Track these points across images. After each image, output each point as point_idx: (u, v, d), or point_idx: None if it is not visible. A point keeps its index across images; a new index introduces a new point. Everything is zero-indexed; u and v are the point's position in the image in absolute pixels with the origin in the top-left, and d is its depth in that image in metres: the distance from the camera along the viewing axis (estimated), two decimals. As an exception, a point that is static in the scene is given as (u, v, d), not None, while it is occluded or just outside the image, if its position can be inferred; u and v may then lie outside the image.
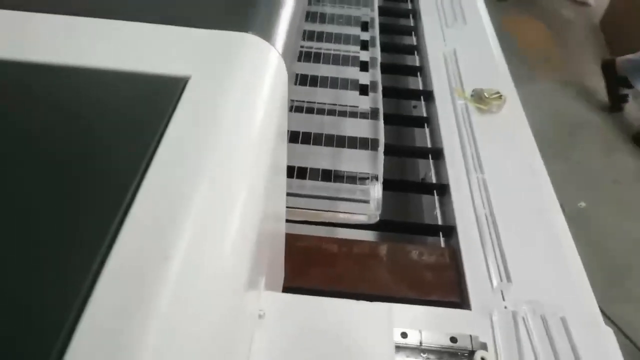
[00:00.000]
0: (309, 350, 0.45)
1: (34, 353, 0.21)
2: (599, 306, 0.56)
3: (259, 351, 0.43)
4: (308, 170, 0.65)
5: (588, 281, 0.58)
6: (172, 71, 0.35)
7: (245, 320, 0.35)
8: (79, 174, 0.28)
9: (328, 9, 0.95)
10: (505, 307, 0.53)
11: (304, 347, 0.45)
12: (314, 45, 0.85)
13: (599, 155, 2.02)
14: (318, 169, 0.65)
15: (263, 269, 0.39)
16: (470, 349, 0.48)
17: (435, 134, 0.79)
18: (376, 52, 0.86)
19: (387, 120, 0.74)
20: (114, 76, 0.34)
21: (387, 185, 0.67)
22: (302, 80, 0.78)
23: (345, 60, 0.84)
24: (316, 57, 0.83)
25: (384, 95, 0.78)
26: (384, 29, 0.95)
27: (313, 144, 0.68)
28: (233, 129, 0.33)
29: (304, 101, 0.74)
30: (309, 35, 0.87)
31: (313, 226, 0.65)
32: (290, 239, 0.56)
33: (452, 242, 0.63)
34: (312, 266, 0.57)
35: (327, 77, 0.79)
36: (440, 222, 0.68)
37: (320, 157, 0.67)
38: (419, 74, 0.93)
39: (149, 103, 0.33)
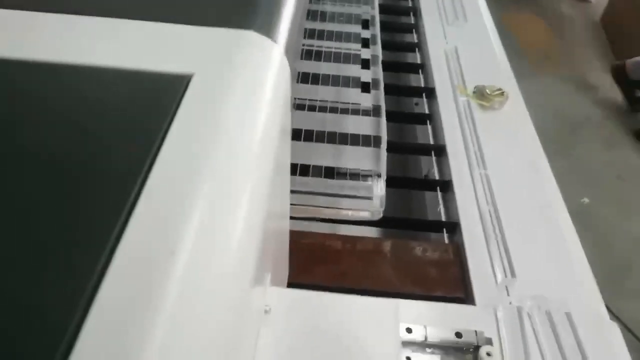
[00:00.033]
0: (315, 346, 0.45)
1: (40, 351, 0.21)
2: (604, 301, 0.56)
3: (265, 346, 0.43)
4: (311, 167, 0.65)
5: (593, 276, 0.58)
6: (176, 69, 0.35)
7: (252, 315, 0.35)
8: (85, 172, 0.28)
9: (329, 7, 0.95)
10: (510, 303, 0.53)
11: (310, 342, 0.45)
12: (315, 43, 0.86)
13: (601, 152, 2.02)
14: (321, 167, 0.66)
15: (269, 265, 0.39)
16: (476, 344, 0.48)
17: (437, 131, 0.79)
18: (377, 49, 0.86)
19: (389, 117, 0.74)
20: (118, 74, 0.35)
21: (390, 182, 0.67)
22: (303, 78, 0.78)
23: (346, 58, 0.84)
24: (317, 55, 0.83)
25: (386, 92, 0.78)
26: (385, 27, 0.95)
27: (316, 142, 0.69)
28: (237, 126, 0.33)
29: (306, 99, 0.74)
30: (310, 34, 0.87)
31: (317, 223, 0.65)
32: (294, 236, 0.56)
33: (456, 238, 0.63)
34: (316, 263, 0.57)
35: (328, 75, 0.79)
36: (443, 219, 0.68)
37: (323, 155, 0.67)
38: (420, 71, 0.93)
39: (153, 101, 0.33)
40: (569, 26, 2.74)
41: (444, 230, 0.66)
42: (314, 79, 0.78)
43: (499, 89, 0.79)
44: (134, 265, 0.24)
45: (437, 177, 0.74)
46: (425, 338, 0.48)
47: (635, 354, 0.50)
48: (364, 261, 0.58)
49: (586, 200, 1.76)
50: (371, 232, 0.70)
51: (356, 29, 0.91)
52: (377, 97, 0.76)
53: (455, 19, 0.99)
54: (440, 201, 0.71)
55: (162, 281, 0.24)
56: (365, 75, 0.81)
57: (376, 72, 0.81)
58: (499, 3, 2.65)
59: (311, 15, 0.92)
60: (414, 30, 1.03)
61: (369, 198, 0.63)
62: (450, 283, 0.57)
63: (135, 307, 0.23)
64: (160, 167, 0.28)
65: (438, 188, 0.72)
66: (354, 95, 0.77)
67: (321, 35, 0.88)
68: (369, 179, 0.66)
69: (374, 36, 0.89)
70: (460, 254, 0.60)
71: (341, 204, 0.63)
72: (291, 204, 0.56)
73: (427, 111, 0.85)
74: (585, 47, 2.58)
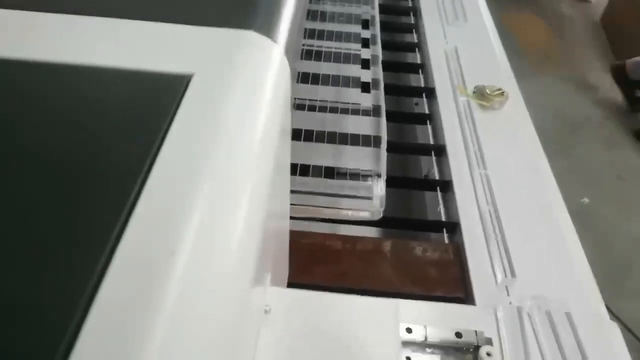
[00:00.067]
0: (315, 346, 0.45)
1: (40, 351, 0.21)
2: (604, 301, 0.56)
3: (265, 346, 0.43)
4: (311, 167, 0.65)
5: (593, 276, 0.58)
6: (176, 69, 0.35)
7: (252, 315, 0.35)
8: (85, 172, 0.28)
9: (329, 7, 0.95)
10: (510, 303, 0.53)
11: (310, 342, 0.45)
12: (315, 43, 0.86)
13: (601, 152, 2.02)
14: (321, 167, 0.66)
15: (269, 265, 0.39)
16: (476, 344, 0.48)
17: (437, 131, 0.79)
18: (377, 49, 0.86)
19: (389, 117, 0.74)
20: (118, 74, 0.35)
21: (390, 182, 0.67)
22: (303, 78, 0.78)
23: (346, 58, 0.84)
24: (317, 55, 0.83)
25: (386, 92, 0.78)
26: (385, 27, 0.95)
27: (316, 142, 0.68)
28: (237, 126, 0.33)
29: (306, 99, 0.74)
30: (310, 34, 0.87)
31: (317, 223, 0.65)
32: (294, 236, 0.56)
33: (456, 238, 0.63)
34: (316, 263, 0.57)
35: (328, 75, 0.79)
36: (443, 219, 0.68)
37: (323, 155, 0.67)
38: (420, 71, 0.93)
39: (153, 101, 0.33)
40: (569, 26, 2.74)
41: (444, 230, 0.66)
42: (314, 79, 0.78)
43: (499, 89, 0.79)
44: (134, 265, 0.24)
45: (437, 177, 0.74)
46: (425, 338, 0.48)
47: (635, 354, 0.50)
48: (364, 261, 0.58)
49: (586, 200, 1.76)
50: (371, 232, 0.70)
51: (356, 29, 0.91)
52: (377, 97, 0.76)
53: (455, 19, 0.99)
54: (440, 201, 0.71)
55: (162, 281, 0.24)
56: (365, 75, 0.81)
57: (376, 72, 0.81)
58: (499, 3, 2.65)
59: (311, 15, 0.92)
60: (414, 30, 1.03)
61: (369, 198, 0.63)
62: (450, 283, 0.57)
63: (135, 307, 0.23)
64: (160, 167, 0.28)
65: (438, 188, 0.72)
66: (354, 95, 0.77)
67: (321, 35, 0.88)
68: (369, 179, 0.66)
69: (374, 36, 0.89)
70: (460, 254, 0.60)
71: (341, 204, 0.63)
72: (291, 204, 0.56)
73: (427, 111, 0.85)
74: (585, 47, 2.58)
